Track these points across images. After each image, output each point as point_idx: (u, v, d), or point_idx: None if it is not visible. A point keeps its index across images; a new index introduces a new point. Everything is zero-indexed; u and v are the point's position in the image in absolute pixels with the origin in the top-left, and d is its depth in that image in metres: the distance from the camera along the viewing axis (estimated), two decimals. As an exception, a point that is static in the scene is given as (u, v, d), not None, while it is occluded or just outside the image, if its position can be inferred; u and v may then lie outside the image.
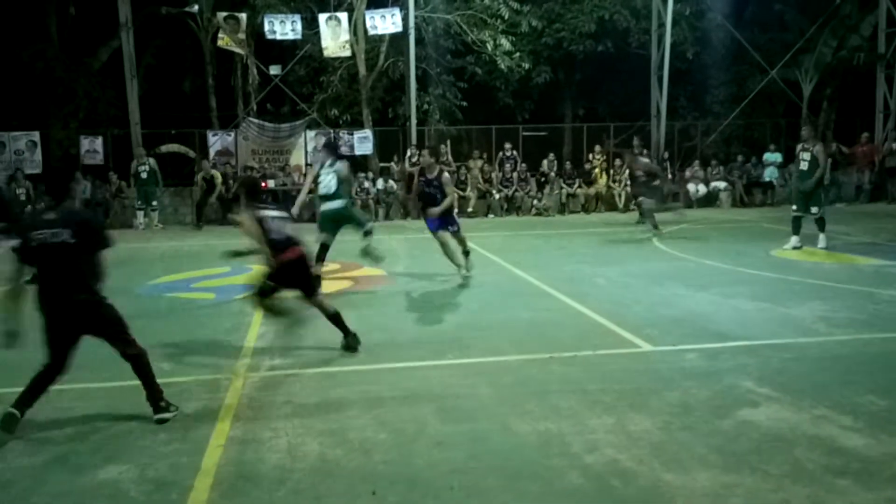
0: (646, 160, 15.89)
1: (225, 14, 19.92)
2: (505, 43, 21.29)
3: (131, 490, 3.93)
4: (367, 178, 19.06)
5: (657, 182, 14.71)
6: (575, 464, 4.13)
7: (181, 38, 23.23)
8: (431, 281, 9.88)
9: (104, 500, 3.87)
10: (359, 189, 18.16)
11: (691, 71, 23.91)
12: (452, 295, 8.79)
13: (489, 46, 21.16)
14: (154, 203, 17.81)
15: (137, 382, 5.02)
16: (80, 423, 4.90)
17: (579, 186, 19.83)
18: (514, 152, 20.28)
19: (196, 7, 20.53)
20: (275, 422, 4.81)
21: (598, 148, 20.88)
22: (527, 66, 22.26)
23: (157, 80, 23.94)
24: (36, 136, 19.40)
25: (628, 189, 19.63)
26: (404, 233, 15.42)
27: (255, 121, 20.73)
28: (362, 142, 20.31)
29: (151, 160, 18.04)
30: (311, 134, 20.59)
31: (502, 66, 21.52)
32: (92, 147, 19.47)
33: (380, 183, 19.12)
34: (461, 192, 19.17)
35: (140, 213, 17.84)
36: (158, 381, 5.00)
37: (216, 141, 20.30)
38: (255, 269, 9.44)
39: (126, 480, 4.03)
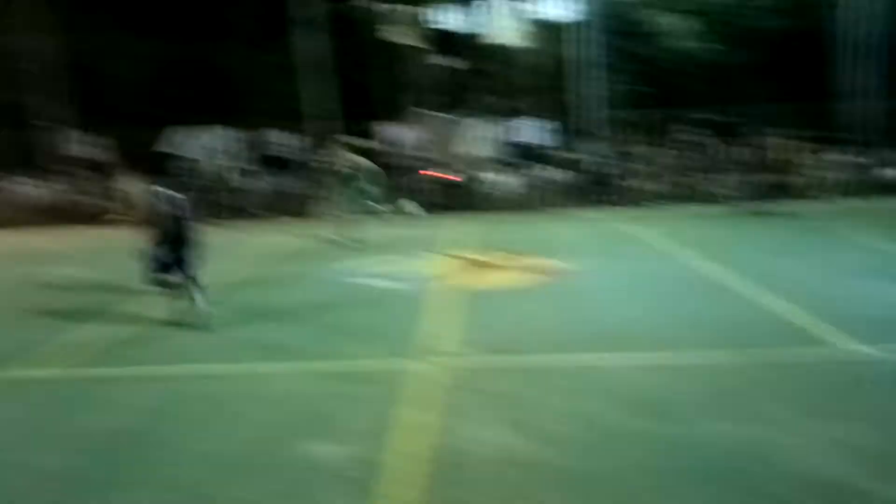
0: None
1: (395, 5, 20.36)
2: (690, 25, 20.44)
3: (347, 469, 4.17)
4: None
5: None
6: (781, 473, 3.98)
7: (351, 32, 24.04)
8: (611, 273, 9.76)
9: (317, 474, 4.14)
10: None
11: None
12: (632, 288, 8.64)
13: (674, 29, 20.41)
14: (343, 194, 18.56)
15: (329, 364, 5.36)
16: (280, 400, 5.27)
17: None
18: (705, 138, 19.25)
19: (370, 2, 21.16)
20: (470, 411, 4.92)
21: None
22: (715, 47, 21.30)
23: (329, 74, 24.90)
24: (233, 131, 20.87)
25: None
26: (579, 221, 15.29)
27: (424, 111, 21.17)
28: (538, 131, 20.30)
29: (342, 152, 18.80)
30: (479, 124, 20.81)
31: (687, 49, 20.70)
32: (280, 140, 20.69)
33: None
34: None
35: (325, 204, 18.67)
36: (347, 362, 5.36)
37: (386, 132, 20.96)
38: (435, 255, 9.71)
39: (339, 458, 4.29)
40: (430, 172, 18.92)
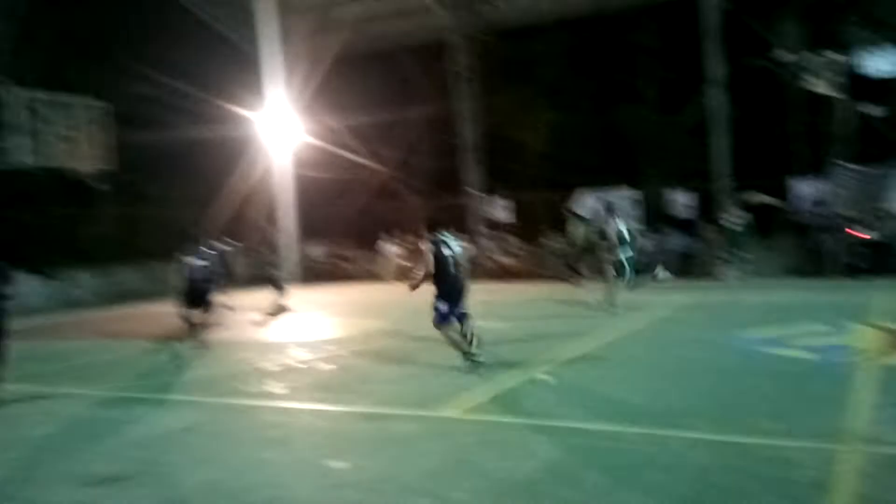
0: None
1: (816, 55, 19.12)
2: None
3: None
4: None
5: None
6: None
7: (768, 85, 23.00)
8: None
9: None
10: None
11: None
12: None
13: None
14: (745, 255, 17.91)
15: (735, 437, 5.14)
16: (688, 470, 4.97)
17: None
18: None
19: (785, 53, 20.14)
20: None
21: None
22: None
23: (744, 130, 24.07)
24: (634, 193, 21.24)
25: None
26: None
27: (849, 165, 19.31)
28: None
29: (744, 212, 18.21)
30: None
31: None
32: (682, 201, 20.47)
33: None
34: None
35: (728, 266, 18.08)
36: (762, 441, 5.03)
37: (806, 189, 19.54)
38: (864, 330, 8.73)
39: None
40: (856, 232, 17.14)
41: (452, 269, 8.61)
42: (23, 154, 18.15)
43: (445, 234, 9.10)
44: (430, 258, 8.65)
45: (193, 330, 11.21)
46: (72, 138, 18.77)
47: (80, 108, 18.98)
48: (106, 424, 6.98)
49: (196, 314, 11.20)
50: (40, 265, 20.12)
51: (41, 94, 18.60)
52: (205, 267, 11.30)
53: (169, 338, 11.82)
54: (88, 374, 9.78)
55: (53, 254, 20.58)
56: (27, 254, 21.60)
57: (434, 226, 9.09)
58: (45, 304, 19.43)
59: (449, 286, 8.57)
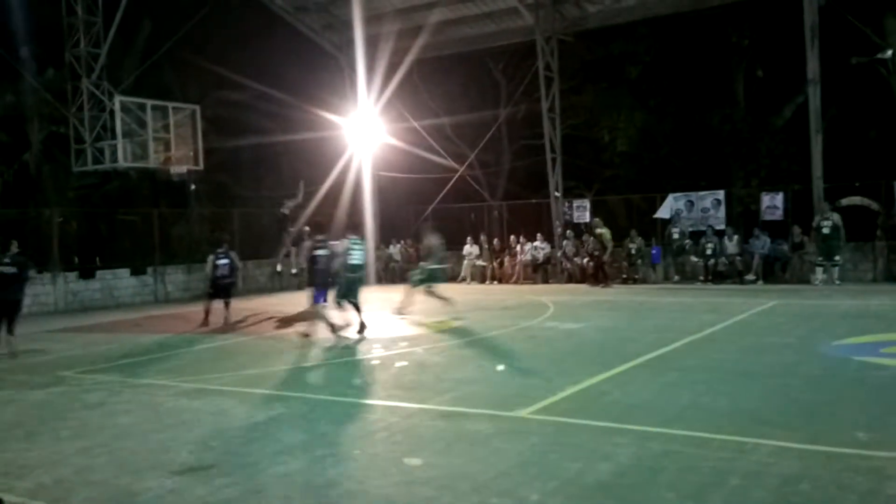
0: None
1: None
2: None
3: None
4: None
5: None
6: None
7: (868, 86, 22.08)
8: None
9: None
10: None
11: None
12: None
13: None
14: (836, 258, 17.25)
15: (827, 448, 4.80)
16: (787, 481, 4.77)
17: None
18: None
19: (889, 52, 19.28)
20: None
21: None
22: None
23: (840, 131, 23.17)
24: (720, 194, 20.66)
25: None
26: None
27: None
28: None
29: (836, 215, 17.53)
30: None
31: None
32: (772, 203, 19.81)
33: None
34: None
35: (819, 270, 17.43)
36: (852, 451, 4.83)
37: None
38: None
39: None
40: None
41: (323, 266, 11.38)
42: (118, 155, 18.90)
43: (353, 239, 11.85)
44: (305, 254, 11.82)
45: (207, 319, 13.82)
46: (165, 140, 19.43)
47: (173, 111, 19.64)
48: (190, 415, 7.19)
49: (218, 305, 13.97)
50: (132, 261, 20.92)
51: (136, 98, 19.32)
52: (226, 265, 13.95)
53: (249, 333, 12.25)
54: (173, 366, 10.11)
55: (145, 250, 21.37)
56: (121, 250, 22.53)
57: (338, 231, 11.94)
58: (137, 300, 20.22)
59: (320, 279, 11.39)
